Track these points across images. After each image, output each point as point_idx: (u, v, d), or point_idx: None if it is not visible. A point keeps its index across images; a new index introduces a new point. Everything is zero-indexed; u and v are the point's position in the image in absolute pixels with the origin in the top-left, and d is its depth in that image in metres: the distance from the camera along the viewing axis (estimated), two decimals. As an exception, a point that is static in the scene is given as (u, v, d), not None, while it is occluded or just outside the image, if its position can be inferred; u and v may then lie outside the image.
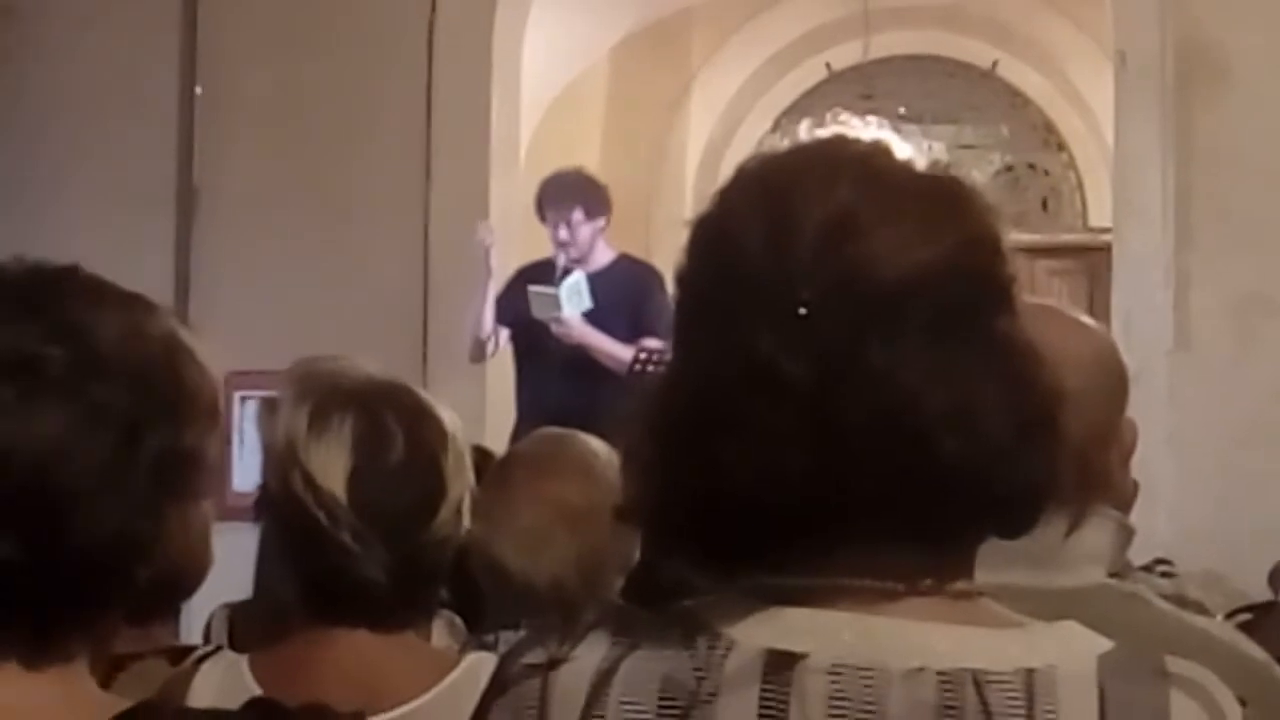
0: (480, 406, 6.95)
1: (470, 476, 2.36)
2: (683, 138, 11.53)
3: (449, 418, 2.35)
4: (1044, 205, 11.96)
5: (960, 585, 1.35)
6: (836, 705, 1.30)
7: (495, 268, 7.21)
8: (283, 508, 2.28)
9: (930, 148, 11.32)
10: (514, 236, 7.71)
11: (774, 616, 1.34)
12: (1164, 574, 2.84)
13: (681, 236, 1.41)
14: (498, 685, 1.41)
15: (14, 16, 7.66)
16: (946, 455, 1.29)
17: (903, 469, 1.30)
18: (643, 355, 6.79)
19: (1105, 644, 1.34)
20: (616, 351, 6.93)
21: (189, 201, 7.61)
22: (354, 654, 2.27)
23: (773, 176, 1.39)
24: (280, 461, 2.27)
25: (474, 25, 7.55)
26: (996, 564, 1.40)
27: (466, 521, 2.36)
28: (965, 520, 1.35)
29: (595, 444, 2.90)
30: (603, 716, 1.34)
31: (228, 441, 6.54)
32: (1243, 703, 1.35)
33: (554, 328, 7.00)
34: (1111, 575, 2.05)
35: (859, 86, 11.75)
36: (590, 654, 1.37)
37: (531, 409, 6.89)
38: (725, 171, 1.43)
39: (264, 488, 2.32)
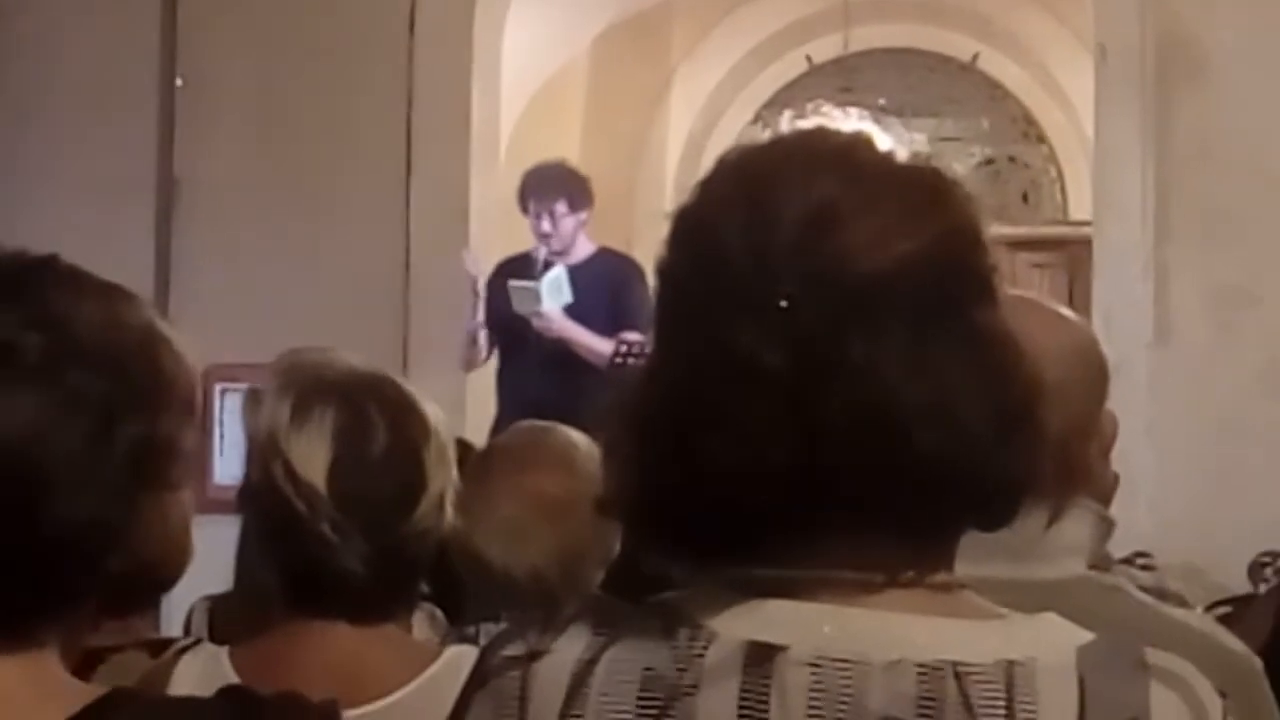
0: (461, 399, 6.94)
1: (454, 470, 2.36)
2: (663, 131, 11.53)
3: (433, 411, 2.35)
4: (1024, 198, 11.99)
5: (941, 577, 1.35)
6: (817, 697, 1.30)
7: (477, 264, 7.21)
8: (264, 498, 2.28)
9: (912, 140, 11.33)
10: (494, 230, 7.71)
11: (754, 609, 1.34)
12: (1143, 566, 2.85)
13: (662, 229, 1.41)
14: (479, 677, 1.41)
15: (-6, 8, 7.64)
16: (926, 447, 1.29)
17: (883, 461, 1.30)
18: (623, 348, 6.79)
19: (1085, 636, 1.34)
20: (597, 345, 6.94)
21: (169, 193, 7.59)
22: (334, 646, 2.27)
23: (753, 168, 1.39)
24: (262, 452, 2.27)
25: (455, 18, 7.54)
26: (977, 556, 1.40)
27: (450, 515, 2.36)
28: (945, 512, 1.35)
29: (575, 436, 2.91)
30: (583, 708, 1.34)
31: (208, 434, 6.53)
32: (1223, 694, 1.35)
33: (534, 322, 7.01)
34: (1092, 567, 2.05)
35: (839, 79, 11.76)
36: (571, 646, 1.37)
37: (512, 402, 6.90)
38: (706, 164, 1.43)
39: (246, 478, 2.32)
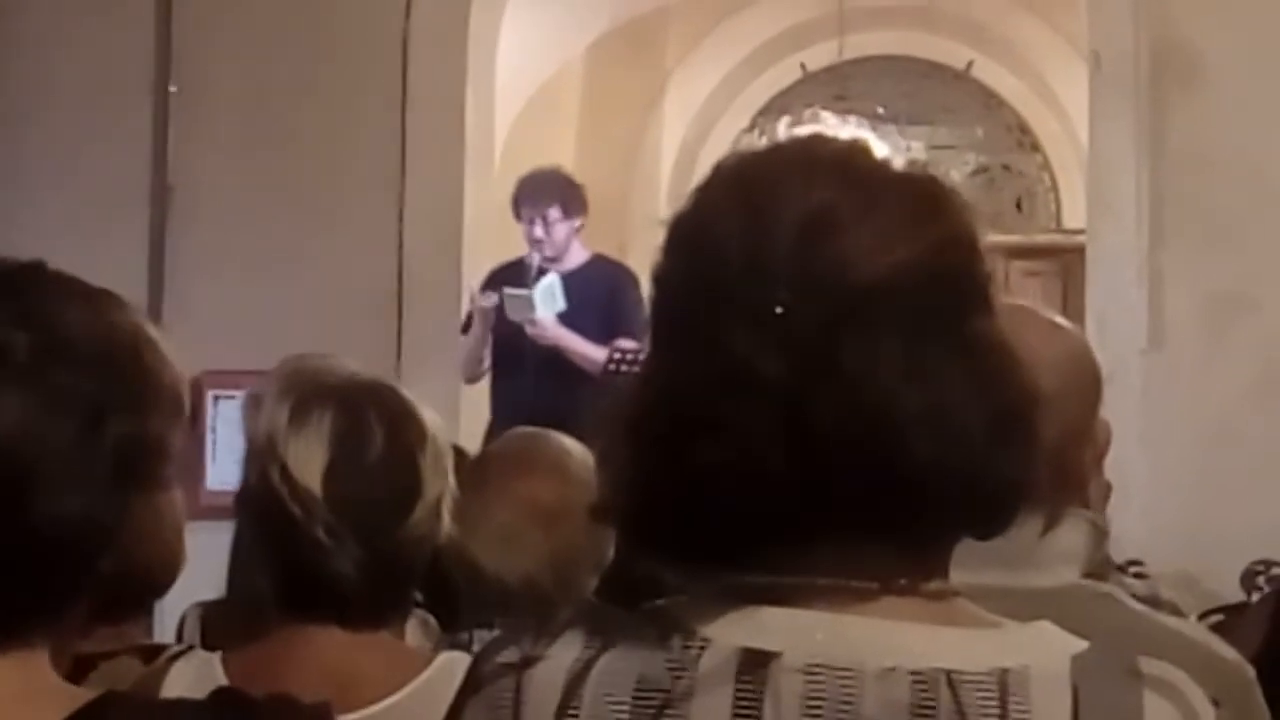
0: (455, 406, 6.93)
1: (450, 477, 2.37)
2: (657, 137, 11.53)
3: (430, 418, 2.36)
4: (1018, 206, 12.00)
5: (935, 585, 1.35)
6: (810, 704, 1.30)
7: (468, 269, 7.22)
8: (260, 501, 2.28)
9: (908, 148, 11.33)
10: (489, 236, 7.71)
11: (749, 615, 1.34)
12: (1137, 574, 2.85)
13: (657, 236, 1.41)
14: (472, 683, 1.41)
15: (-13, 14, 7.63)
16: (922, 455, 1.29)
17: (878, 469, 1.29)
18: (617, 355, 6.79)
19: (1079, 644, 1.34)
20: (591, 352, 6.94)
21: (163, 200, 7.57)
22: (327, 652, 2.27)
23: (750, 174, 1.38)
24: (260, 455, 2.28)
25: (449, 24, 7.53)
26: (971, 564, 1.40)
27: (447, 522, 2.36)
28: (940, 520, 1.35)
29: (569, 443, 2.91)
30: (577, 715, 1.34)
31: (201, 441, 6.52)
32: (1216, 703, 1.35)
33: (528, 329, 7.00)
34: (1089, 575, 2.05)
35: (834, 87, 11.77)
36: (565, 652, 1.37)
37: (506, 410, 6.90)
38: (700, 171, 1.43)
39: (244, 481, 2.33)
